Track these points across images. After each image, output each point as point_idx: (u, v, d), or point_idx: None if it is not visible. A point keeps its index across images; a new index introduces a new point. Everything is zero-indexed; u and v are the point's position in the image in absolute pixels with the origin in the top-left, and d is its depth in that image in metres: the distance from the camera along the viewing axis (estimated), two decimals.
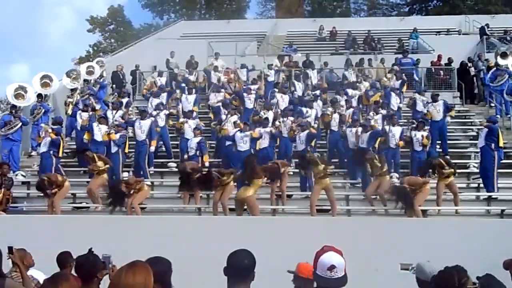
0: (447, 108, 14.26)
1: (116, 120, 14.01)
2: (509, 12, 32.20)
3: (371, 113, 14.26)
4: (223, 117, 13.96)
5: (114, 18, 45.96)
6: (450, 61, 19.54)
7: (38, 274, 5.56)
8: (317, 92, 16.40)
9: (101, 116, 13.71)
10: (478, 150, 12.71)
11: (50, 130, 12.83)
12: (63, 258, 5.67)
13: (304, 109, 14.42)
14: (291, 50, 23.00)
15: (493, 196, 11.68)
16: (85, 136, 13.51)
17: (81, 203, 12.14)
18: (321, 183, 10.84)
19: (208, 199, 11.97)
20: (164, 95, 16.09)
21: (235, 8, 46.40)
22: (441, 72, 19.41)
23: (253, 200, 10.37)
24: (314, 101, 15.12)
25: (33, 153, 14.70)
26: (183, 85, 17.39)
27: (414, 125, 13.22)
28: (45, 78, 15.57)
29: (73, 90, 16.20)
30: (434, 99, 14.42)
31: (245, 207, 10.63)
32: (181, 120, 14.01)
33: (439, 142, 13.97)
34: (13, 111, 14.07)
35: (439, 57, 19.99)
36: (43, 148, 12.68)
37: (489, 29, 23.37)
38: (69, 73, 16.67)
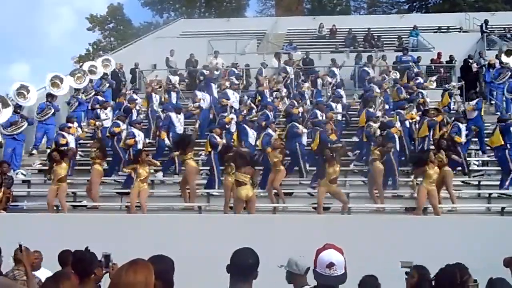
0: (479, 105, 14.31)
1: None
2: (509, 10, 32.13)
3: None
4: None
5: (113, 16, 45.94)
6: (451, 58, 19.51)
7: (46, 274, 5.57)
8: (339, 90, 16.39)
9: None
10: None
11: None
12: (65, 257, 5.68)
13: (333, 104, 14.56)
14: (291, 48, 22.99)
15: (493, 194, 11.69)
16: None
17: (81, 201, 12.15)
18: (328, 186, 10.67)
19: (208, 197, 11.98)
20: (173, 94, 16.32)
21: (235, 6, 46.39)
22: (441, 69, 19.41)
23: (255, 198, 10.36)
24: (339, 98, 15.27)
25: (34, 151, 14.69)
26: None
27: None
28: (56, 78, 15.56)
29: (77, 90, 16.18)
30: (471, 97, 14.54)
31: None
32: (231, 115, 14.06)
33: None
34: (18, 110, 14.07)
35: (439, 54, 19.98)
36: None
37: (489, 26, 23.34)
38: (74, 73, 16.62)
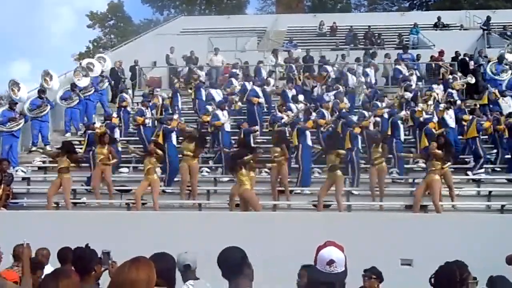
0: None
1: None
2: (510, 7, 32.10)
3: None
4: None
5: (114, 13, 45.90)
6: (457, 55, 19.40)
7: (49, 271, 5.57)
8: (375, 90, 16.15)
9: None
10: None
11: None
12: (64, 254, 5.67)
13: (378, 103, 14.41)
14: (291, 46, 22.97)
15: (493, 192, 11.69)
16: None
17: (79, 199, 12.13)
18: (330, 176, 10.80)
19: (208, 195, 11.98)
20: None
21: (235, 3, 46.34)
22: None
23: (249, 194, 10.23)
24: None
25: (33, 148, 14.68)
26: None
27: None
28: (46, 75, 15.54)
29: (75, 87, 16.14)
30: (504, 94, 14.68)
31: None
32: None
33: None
34: (14, 107, 14.07)
35: (441, 52, 19.87)
36: None
37: (490, 23, 23.32)
38: (76, 71, 16.59)
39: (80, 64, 17.56)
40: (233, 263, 3.30)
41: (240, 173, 10.15)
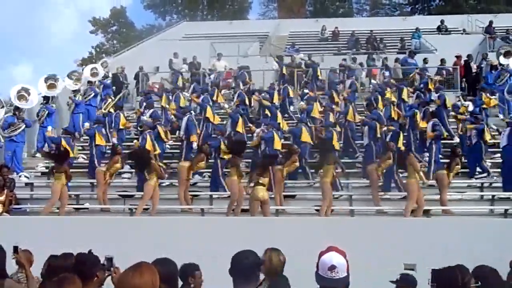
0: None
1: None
2: None
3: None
4: None
5: (116, 19, 46.12)
6: (470, 59, 19.33)
7: None
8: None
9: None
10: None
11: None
12: (65, 259, 5.66)
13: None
14: (293, 51, 23.01)
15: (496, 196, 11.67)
16: None
17: (83, 204, 12.13)
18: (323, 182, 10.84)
19: (211, 200, 11.97)
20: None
21: (237, 8, 46.48)
22: (444, 71, 19.31)
23: (269, 200, 10.45)
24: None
25: (37, 154, 14.71)
26: None
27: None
28: (50, 79, 15.57)
29: (75, 91, 16.21)
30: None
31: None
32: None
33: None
34: (17, 112, 14.06)
35: (459, 57, 19.73)
36: None
37: (492, 27, 23.33)
38: (71, 75, 16.64)
39: (83, 69, 17.63)
40: (247, 266, 3.31)
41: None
